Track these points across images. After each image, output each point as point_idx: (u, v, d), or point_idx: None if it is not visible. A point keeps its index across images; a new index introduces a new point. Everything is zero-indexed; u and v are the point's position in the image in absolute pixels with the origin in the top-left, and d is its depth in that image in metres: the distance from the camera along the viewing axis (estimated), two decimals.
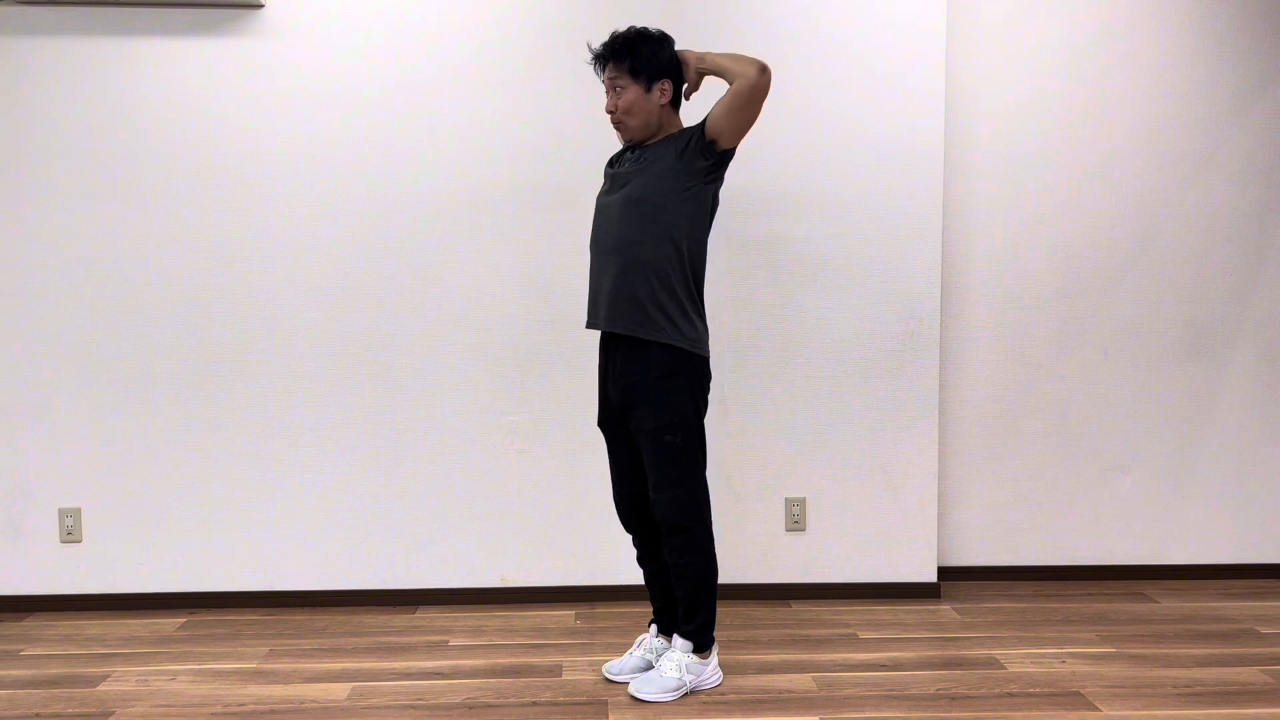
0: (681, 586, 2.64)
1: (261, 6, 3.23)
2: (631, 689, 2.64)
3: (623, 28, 2.62)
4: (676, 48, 2.63)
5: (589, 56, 2.66)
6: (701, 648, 2.67)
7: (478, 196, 3.33)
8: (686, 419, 2.60)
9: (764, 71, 2.47)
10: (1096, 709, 2.55)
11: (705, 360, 2.64)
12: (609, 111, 2.63)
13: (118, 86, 3.25)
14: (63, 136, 3.25)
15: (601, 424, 2.76)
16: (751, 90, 2.47)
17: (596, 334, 3.44)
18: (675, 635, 2.69)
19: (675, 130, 2.63)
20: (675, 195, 2.55)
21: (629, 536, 2.81)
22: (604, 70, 2.62)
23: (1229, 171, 3.62)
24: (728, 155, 2.59)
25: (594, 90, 2.68)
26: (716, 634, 2.77)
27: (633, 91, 2.57)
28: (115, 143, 3.26)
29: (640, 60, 2.55)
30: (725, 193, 2.77)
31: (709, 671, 2.69)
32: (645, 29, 2.61)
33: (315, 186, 3.30)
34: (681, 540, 2.61)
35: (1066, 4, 3.55)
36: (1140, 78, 3.58)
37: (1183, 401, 3.68)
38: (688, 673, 2.64)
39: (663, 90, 2.58)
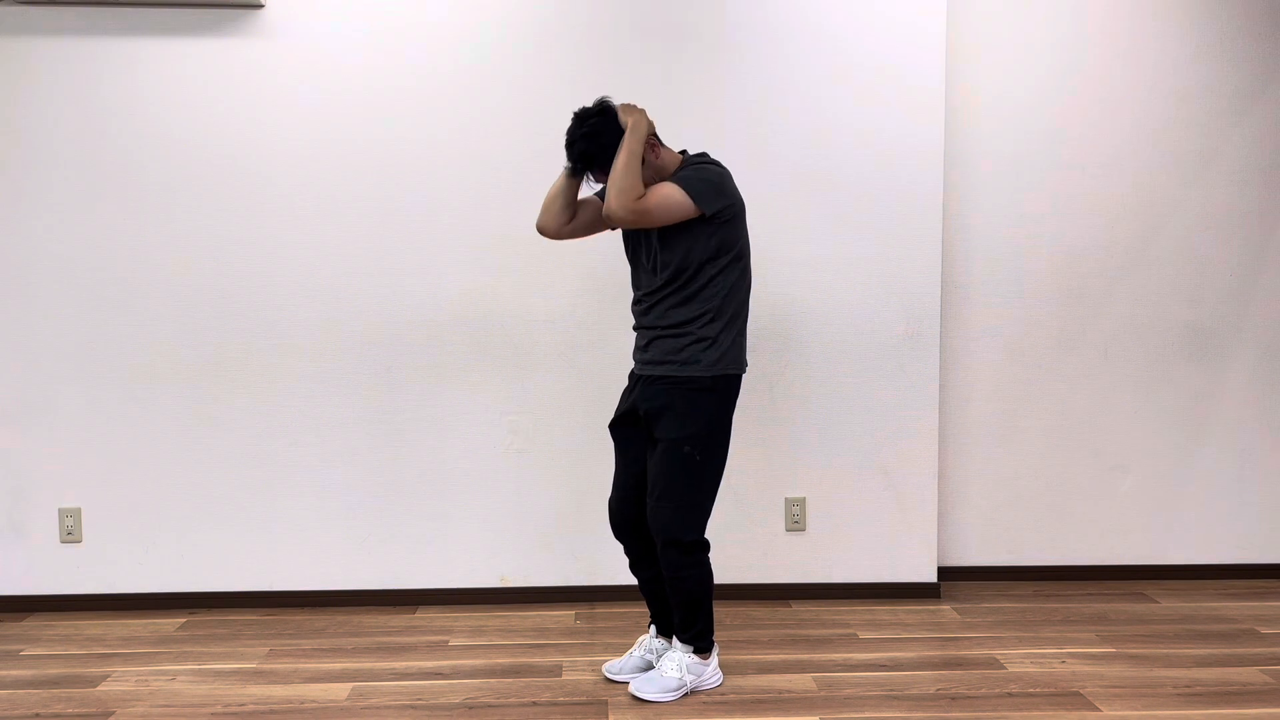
0: (677, 597, 2.63)
1: (261, 6, 3.23)
2: (632, 689, 2.64)
3: (570, 121, 2.58)
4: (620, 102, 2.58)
5: (567, 161, 2.60)
6: (702, 649, 2.67)
7: (478, 196, 3.33)
8: (712, 433, 2.59)
9: (608, 215, 2.50)
10: (1096, 709, 2.55)
11: (739, 375, 2.64)
12: None
13: (118, 86, 3.25)
14: (63, 136, 3.25)
15: (614, 425, 2.75)
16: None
17: (595, 333, 3.44)
18: (674, 637, 2.69)
19: (677, 163, 2.60)
20: (702, 247, 2.52)
21: None
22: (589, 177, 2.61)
23: (1229, 171, 3.62)
24: (712, 216, 2.51)
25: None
26: (716, 634, 2.77)
27: None
28: (115, 143, 3.26)
29: (611, 154, 2.49)
30: None
31: (709, 672, 2.69)
32: (587, 122, 2.54)
33: (315, 186, 3.30)
34: (677, 553, 2.59)
35: (1067, 4, 3.54)
36: (1140, 78, 3.58)
37: (1183, 401, 3.68)
38: (688, 673, 2.63)
39: (648, 148, 2.54)
